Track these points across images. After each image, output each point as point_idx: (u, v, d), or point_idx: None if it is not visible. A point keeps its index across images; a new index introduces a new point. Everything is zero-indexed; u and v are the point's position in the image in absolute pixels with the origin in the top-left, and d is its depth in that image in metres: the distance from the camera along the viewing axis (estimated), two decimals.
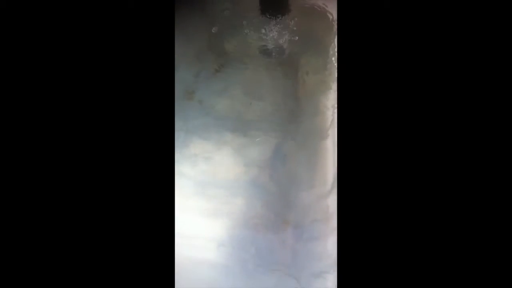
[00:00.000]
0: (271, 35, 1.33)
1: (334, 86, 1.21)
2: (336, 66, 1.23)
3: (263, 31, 1.33)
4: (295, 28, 1.34)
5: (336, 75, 1.22)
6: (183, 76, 1.22)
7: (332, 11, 1.34)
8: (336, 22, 1.31)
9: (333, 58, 1.25)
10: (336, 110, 1.17)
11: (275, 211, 1.04)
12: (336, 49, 1.26)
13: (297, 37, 1.33)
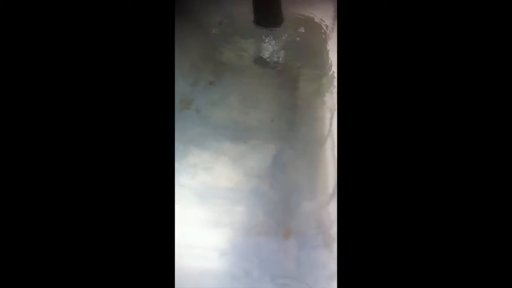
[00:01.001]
0: (266, 45, 1.35)
1: (330, 94, 1.22)
2: (331, 74, 1.25)
3: (259, 41, 1.35)
4: (290, 38, 1.36)
5: (332, 83, 1.23)
6: (180, 86, 1.23)
7: (327, 21, 1.37)
8: (330, 32, 1.34)
9: (328, 67, 1.27)
10: (334, 117, 1.18)
11: (277, 219, 1.03)
12: (331, 58, 1.28)
13: (292, 47, 1.35)
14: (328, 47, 1.34)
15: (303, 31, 1.40)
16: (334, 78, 1.23)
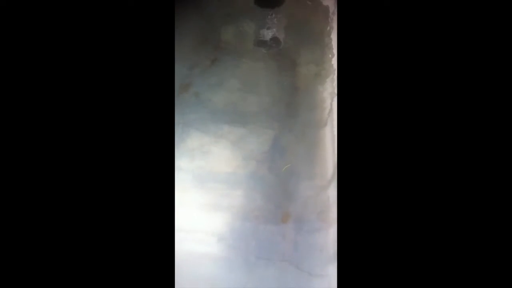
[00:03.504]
0: (266, 27, 1.32)
1: (330, 78, 1.21)
2: (332, 58, 1.23)
3: (259, 23, 1.32)
4: (290, 20, 1.33)
5: (332, 67, 1.21)
6: (178, 69, 1.21)
7: (328, 3, 1.34)
8: (332, 14, 1.31)
9: (329, 50, 1.25)
10: (333, 102, 1.17)
11: (275, 203, 1.04)
12: (332, 41, 1.26)
13: (293, 29, 1.32)
14: (329, 30, 1.32)
15: (304, 13, 1.37)
16: (335, 61, 1.22)
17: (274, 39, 1.32)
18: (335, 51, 1.22)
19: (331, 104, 1.17)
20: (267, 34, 1.32)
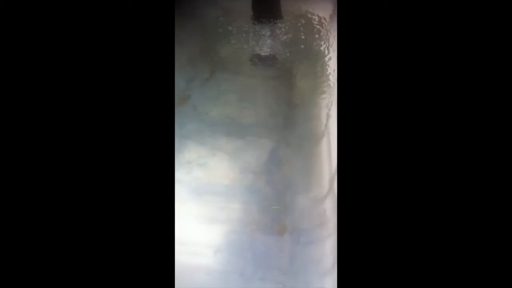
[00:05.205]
0: (264, 41, 1.34)
1: (327, 92, 1.22)
2: (329, 72, 1.24)
3: (257, 37, 1.34)
4: (288, 34, 1.35)
5: (329, 80, 1.23)
6: (177, 82, 1.22)
7: (326, 18, 1.36)
8: (330, 28, 1.33)
9: (326, 64, 1.27)
10: (330, 115, 1.18)
11: (272, 216, 1.04)
12: (329, 55, 1.28)
13: (290, 43, 1.34)
14: (326, 44, 1.34)
15: (302, 28, 1.39)
16: (331, 75, 1.23)
17: (272, 53, 1.33)
18: (332, 64, 1.23)
19: (327, 117, 1.18)
20: (265, 48, 1.34)
